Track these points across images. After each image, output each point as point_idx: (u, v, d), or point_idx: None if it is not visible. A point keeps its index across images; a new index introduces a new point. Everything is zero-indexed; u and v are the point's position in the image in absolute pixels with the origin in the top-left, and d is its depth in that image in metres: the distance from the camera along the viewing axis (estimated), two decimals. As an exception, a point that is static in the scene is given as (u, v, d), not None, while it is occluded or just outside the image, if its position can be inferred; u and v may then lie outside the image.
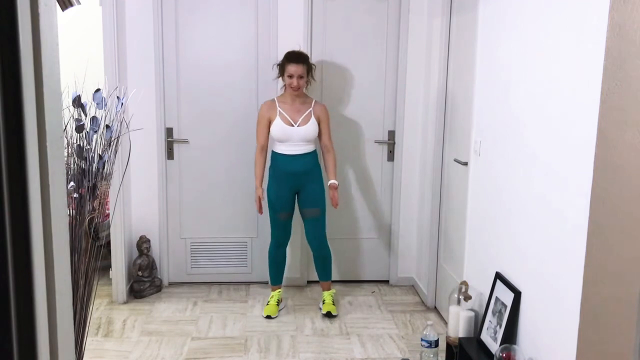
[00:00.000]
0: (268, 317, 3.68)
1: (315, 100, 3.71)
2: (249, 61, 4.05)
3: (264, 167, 3.71)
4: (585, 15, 2.03)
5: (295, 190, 3.68)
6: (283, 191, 3.66)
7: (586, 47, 2.01)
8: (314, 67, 3.74)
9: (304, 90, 3.70)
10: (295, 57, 3.60)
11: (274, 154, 3.70)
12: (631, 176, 1.13)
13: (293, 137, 3.59)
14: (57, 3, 1.05)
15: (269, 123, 3.64)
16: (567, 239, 2.12)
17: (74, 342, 1.27)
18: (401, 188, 4.23)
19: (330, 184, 3.67)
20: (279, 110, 3.62)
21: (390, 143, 4.20)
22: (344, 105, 4.08)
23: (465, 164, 3.27)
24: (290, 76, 3.57)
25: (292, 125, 3.59)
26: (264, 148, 3.69)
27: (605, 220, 1.23)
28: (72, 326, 0.92)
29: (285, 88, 3.66)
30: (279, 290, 3.84)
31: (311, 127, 3.61)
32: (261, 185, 3.69)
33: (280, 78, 3.70)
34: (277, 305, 3.77)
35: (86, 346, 2.57)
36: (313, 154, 3.68)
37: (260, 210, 3.69)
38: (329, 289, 3.85)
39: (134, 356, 3.18)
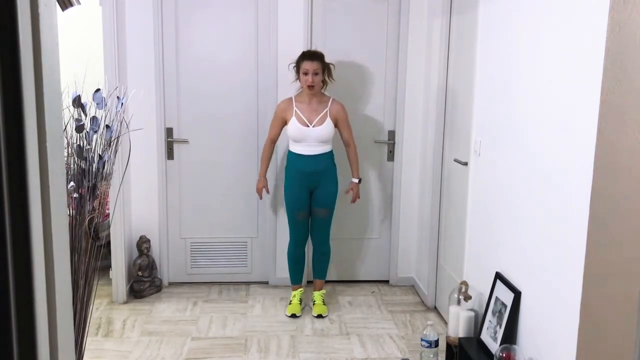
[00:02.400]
0: (293, 315, 3.70)
1: (332, 99, 3.70)
2: (249, 61, 4.05)
3: (270, 159, 3.81)
4: (585, 15, 2.03)
5: (311, 189, 3.71)
6: (299, 191, 3.69)
7: (586, 46, 2.01)
8: (332, 67, 3.72)
9: (322, 91, 3.71)
10: (309, 55, 3.62)
11: (290, 153, 3.72)
12: (631, 176, 1.13)
13: (309, 137, 3.61)
14: (57, 3, 1.05)
15: (284, 122, 3.68)
16: (567, 238, 2.12)
17: (74, 342, 1.27)
18: (401, 188, 4.23)
19: (351, 182, 3.80)
20: (295, 110, 3.62)
21: (390, 143, 4.20)
22: (344, 105, 4.07)
23: (465, 164, 3.27)
24: (306, 73, 3.57)
25: (308, 126, 3.59)
26: (273, 141, 3.77)
27: (605, 220, 1.23)
28: (72, 326, 0.92)
29: (302, 88, 3.66)
30: (301, 289, 3.86)
31: (327, 128, 3.62)
32: (264, 176, 3.79)
33: (297, 80, 3.68)
34: (300, 303, 3.78)
35: (86, 346, 2.57)
36: (329, 154, 3.70)
37: (260, 196, 3.86)
38: (320, 289, 3.87)
39: (134, 356, 3.18)
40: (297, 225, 3.76)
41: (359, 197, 3.85)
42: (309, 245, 3.90)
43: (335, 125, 3.67)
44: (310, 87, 3.58)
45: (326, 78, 3.69)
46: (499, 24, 2.81)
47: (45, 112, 0.79)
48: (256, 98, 4.08)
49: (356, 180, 3.79)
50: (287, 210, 3.78)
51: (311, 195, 3.73)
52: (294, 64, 3.68)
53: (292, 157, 3.70)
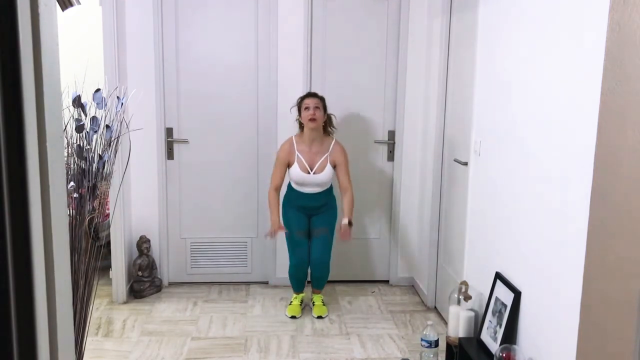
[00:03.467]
0: (293, 317, 3.70)
1: (334, 142, 3.66)
2: (249, 61, 4.05)
3: (279, 206, 3.69)
4: (585, 15, 2.03)
5: (309, 215, 3.72)
6: (298, 215, 3.70)
7: (586, 47, 2.01)
8: (333, 116, 3.74)
9: (330, 135, 3.70)
10: (309, 93, 3.67)
11: (290, 187, 3.73)
12: (631, 176, 1.13)
13: (308, 182, 3.62)
14: (57, 3, 1.05)
15: (287, 165, 3.65)
16: (567, 238, 2.12)
17: (74, 342, 1.27)
18: (401, 188, 4.23)
19: (343, 223, 3.61)
20: (297, 155, 3.61)
21: (390, 143, 4.20)
22: (344, 105, 4.08)
23: (465, 164, 3.27)
24: (307, 108, 3.55)
25: (309, 173, 3.59)
26: (277, 189, 3.67)
27: (605, 220, 1.23)
28: (72, 326, 0.92)
29: (304, 128, 3.63)
30: (303, 293, 3.87)
31: (327, 175, 3.62)
32: (279, 220, 3.66)
33: (299, 120, 3.67)
34: (300, 304, 3.79)
35: (86, 346, 2.57)
36: (328, 190, 3.71)
37: (275, 235, 3.71)
38: (319, 293, 3.88)
39: (134, 356, 3.18)
40: (297, 246, 3.68)
41: (348, 238, 3.64)
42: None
43: (334, 167, 3.64)
44: (312, 120, 3.53)
45: (328, 127, 3.69)
46: (499, 24, 2.81)
47: (45, 112, 0.79)
48: (256, 98, 4.08)
49: (346, 221, 3.60)
50: (286, 233, 3.71)
51: (310, 220, 3.73)
52: (296, 106, 3.67)
53: (291, 190, 3.72)
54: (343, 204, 3.70)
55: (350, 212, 3.64)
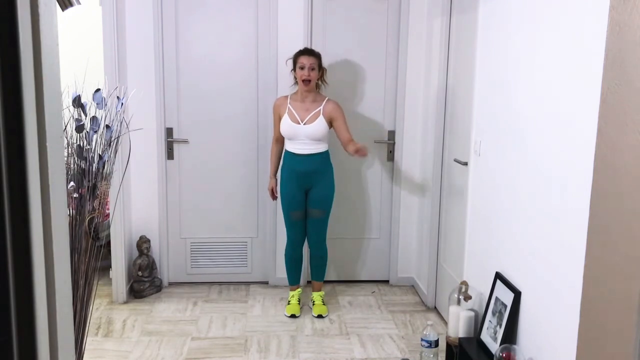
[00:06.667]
0: (292, 315, 3.70)
1: (328, 99, 3.67)
2: (249, 61, 4.06)
3: (279, 158, 3.80)
4: (585, 15, 2.03)
5: (306, 189, 3.69)
6: (294, 190, 3.67)
7: (586, 47, 2.01)
8: (325, 69, 3.74)
9: (320, 91, 3.71)
10: (307, 50, 3.66)
11: (285, 152, 3.72)
12: (631, 176, 1.13)
13: (299, 135, 3.59)
14: (57, 3, 1.05)
15: (280, 119, 3.67)
16: (567, 238, 2.12)
17: (74, 342, 1.27)
18: (401, 188, 4.23)
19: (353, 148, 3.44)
20: (289, 107, 3.63)
21: (390, 143, 4.20)
22: (344, 105, 4.07)
23: (465, 164, 3.27)
24: (302, 67, 3.58)
25: (299, 123, 3.58)
26: (278, 140, 3.77)
27: (605, 220, 1.23)
28: (72, 326, 0.92)
29: (298, 84, 3.66)
30: (299, 289, 3.86)
31: (318, 126, 3.59)
32: (274, 176, 3.82)
33: (294, 78, 3.69)
34: (298, 303, 3.79)
35: (86, 346, 2.57)
36: (323, 154, 3.67)
37: (273, 197, 3.86)
38: (319, 290, 3.87)
39: (134, 356, 3.18)
40: (293, 226, 3.75)
41: (362, 151, 3.42)
42: (307, 247, 3.90)
43: (331, 126, 3.65)
44: (306, 81, 3.57)
45: (319, 81, 3.69)
46: (499, 24, 2.81)
47: (45, 112, 0.79)
48: (256, 98, 4.09)
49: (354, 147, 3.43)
50: (283, 210, 3.78)
51: (307, 195, 3.72)
52: (291, 59, 3.68)
53: (287, 156, 3.70)
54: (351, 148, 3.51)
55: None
